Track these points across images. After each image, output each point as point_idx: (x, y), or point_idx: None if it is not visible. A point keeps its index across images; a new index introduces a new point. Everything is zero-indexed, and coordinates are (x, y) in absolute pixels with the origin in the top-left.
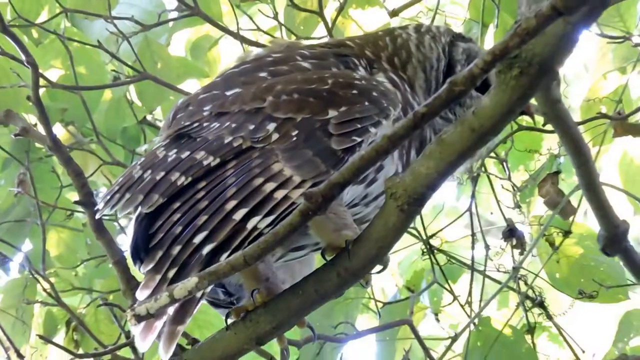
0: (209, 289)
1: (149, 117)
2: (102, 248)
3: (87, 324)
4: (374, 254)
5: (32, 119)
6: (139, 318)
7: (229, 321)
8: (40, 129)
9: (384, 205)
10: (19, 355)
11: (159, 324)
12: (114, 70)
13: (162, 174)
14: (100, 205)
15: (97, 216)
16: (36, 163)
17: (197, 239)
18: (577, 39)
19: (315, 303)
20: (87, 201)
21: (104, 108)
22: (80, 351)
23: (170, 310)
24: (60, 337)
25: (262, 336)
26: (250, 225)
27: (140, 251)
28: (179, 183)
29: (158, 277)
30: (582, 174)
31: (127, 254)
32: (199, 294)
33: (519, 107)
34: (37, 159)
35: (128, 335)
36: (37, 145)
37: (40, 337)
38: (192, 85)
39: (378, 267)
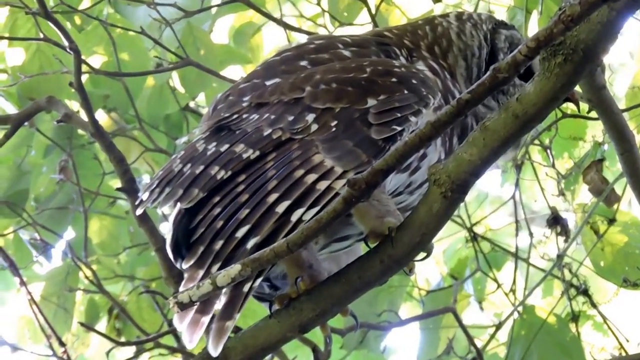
0: (257, 282)
1: (191, 104)
2: (144, 235)
3: (129, 311)
4: (418, 241)
5: (74, 105)
6: (181, 306)
7: (273, 309)
8: (83, 116)
9: (427, 192)
10: (61, 343)
11: (205, 320)
12: (156, 57)
13: (202, 167)
14: (140, 200)
15: (139, 211)
16: (78, 150)
17: (240, 233)
18: (622, 26)
19: (359, 291)
20: (130, 188)
21: (147, 95)
22: (123, 339)
23: (219, 305)
24: (102, 325)
25: (305, 324)
26: (294, 217)
27: (181, 247)
28: (218, 177)
29: (201, 272)
30: (625, 161)
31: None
32: (246, 288)
33: (563, 94)
34: (79, 146)
35: (170, 323)
36: (80, 132)
37: (83, 324)
38: (235, 72)
39: (422, 255)
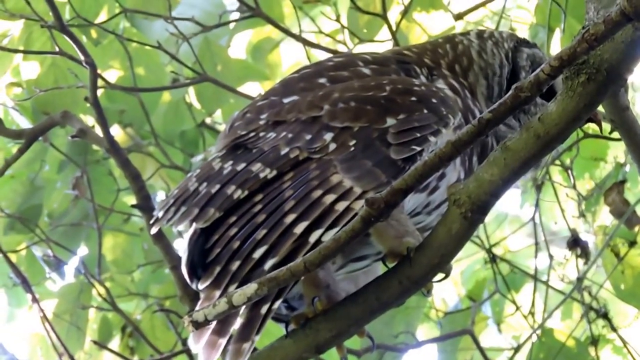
0: (276, 305)
1: (208, 121)
2: (159, 253)
3: (142, 330)
4: (437, 262)
5: (89, 120)
6: (196, 325)
7: (289, 329)
8: (98, 131)
9: (447, 212)
10: None
11: (222, 341)
12: (173, 72)
13: (218, 187)
14: (155, 218)
15: (153, 230)
16: (93, 165)
17: (257, 254)
18: None
19: (376, 311)
20: (145, 205)
21: (163, 110)
22: (136, 358)
23: (236, 327)
24: (115, 344)
25: (321, 344)
26: (312, 239)
27: (197, 267)
28: (235, 196)
29: (218, 292)
30: None
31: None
32: (264, 310)
33: (586, 114)
34: (94, 162)
35: (185, 342)
36: (94, 147)
37: (95, 342)
38: (252, 89)
39: (440, 276)
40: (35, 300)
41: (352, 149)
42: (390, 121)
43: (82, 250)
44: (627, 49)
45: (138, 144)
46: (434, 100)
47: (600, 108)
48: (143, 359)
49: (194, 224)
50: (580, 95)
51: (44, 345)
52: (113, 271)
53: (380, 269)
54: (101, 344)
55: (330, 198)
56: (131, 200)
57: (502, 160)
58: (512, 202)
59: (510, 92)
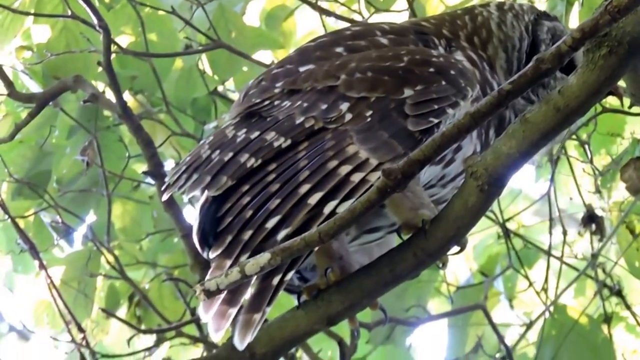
0: (288, 276)
1: (220, 88)
2: (170, 221)
3: (150, 299)
4: (452, 234)
5: (99, 86)
6: (208, 293)
7: (301, 300)
8: (109, 97)
9: (464, 184)
10: (80, 329)
11: (233, 312)
12: (186, 38)
13: (231, 154)
14: (166, 185)
15: (165, 197)
16: (103, 132)
17: (270, 224)
18: None
19: (389, 284)
20: (156, 172)
21: (175, 77)
22: (143, 327)
23: (247, 297)
24: (122, 313)
25: (333, 316)
26: (327, 210)
27: (208, 236)
28: (248, 165)
29: (229, 262)
30: None
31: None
32: (276, 281)
33: (606, 87)
34: (104, 128)
35: (193, 312)
36: (105, 113)
37: (104, 310)
38: (266, 57)
39: (455, 249)
40: (42, 266)
41: (369, 119)
42: (407, 92)
43: (91, 217)
44: None
45: (148, 111)
46: (452, 72)
47: (621, 82)
48: (151, 327)
49: (206, 192)
50: (602, 68)
51: (50, 313)
52: (121, 239)
53: (394, 241)
54: (109, 312)
55: (345, 169)
56: (141, 167)
57: (521, 132)
58: (526, 177)
59: (531, 64)
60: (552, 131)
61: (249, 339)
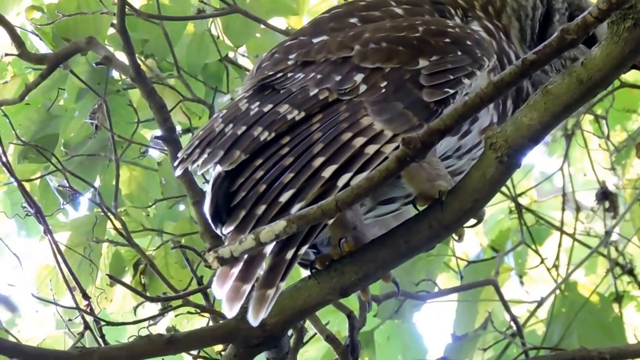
0: (303, 250)
1: (231, 55)
2: (177, 188)
3: (157, 266)
4: (469, 206)
5: (109, 49)
6: (221, 261)
7: (313, 270)
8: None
9: (482, 156)
10: (85, 296)
11: (247, 288)
12: (201, 1)
13: (244, 128)
14: (180, 160)
15: (178, 171)
16: (113, 96)
17: (284, 198)
18: None
19: (404, 255)
20: (169, 137)
21: (186, 42)
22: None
23: (260, 272)
24: (126, 280)
25: (346, 287)
26: (341, 182)
27: (221, 211)
28: (261, 138)
29: (243, 237)
30: None
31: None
32: (289, 255)
33: (630, 60)
34: (114, 92)
35: (200, 281)
36: (115, 77)
37: (111, 277)
38: (280, 24)
39: (472, 221)
40: (48, 231)
41: (383, 90)
42: (422, 62)
43: (97, 182)
44: None
45: (158, 75)
46: (468, 42)
47: None
48: (158, 295)
49: (219, 167)
50: (626, 40)
51: (53, 278)
52: (128, 205)
53: (411, 214)
54: (116, 279)
55: (360, 141)
56: (149, 133)
57: (543, 104)
58: (539, 152)
59: (556, 34)
60: (575, 103)
61: (262, 315)
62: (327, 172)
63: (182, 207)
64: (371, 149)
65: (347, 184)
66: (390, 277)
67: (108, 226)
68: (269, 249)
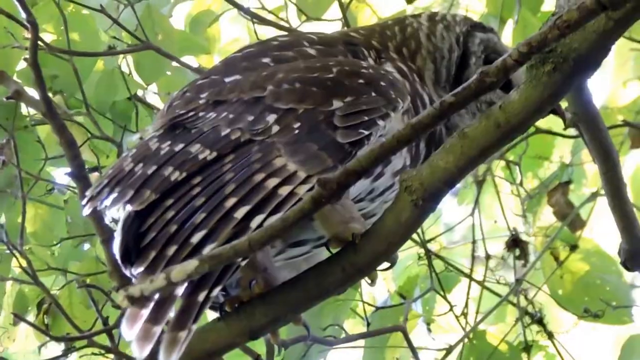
0: (215, 292)
1: (140, 93)
2: (83, 228)
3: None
4: (383, 249)
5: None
6: (131, 300)
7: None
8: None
9: (397, 199)
10: None
11: (157, 330)
12: (114, 37)
13: (154, 168)
14: (88, 198)
15: (86, 212)
16: (20, 131)
17: (196, 239)
18: (617, 38)
19: (316, 298)
20: (79, 174)
21: (95, 79)
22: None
23: (171, 315)
24: (29, 319)
25: (256, 330)
26: (254, 224)
27: (131, 252)
28: (172, 178)
29: (153, 276)
30: (608, 181)
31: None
32: (201, 297)
33: (549, 105)
34: (22, 127)
35: (106, 321)
36: (23, 112)
37: (16, 315)
38: (190, 62)
39: (385, 265)
40: None
41: (297, 131)
42: (336, 104)
43: (1, 219)
44: (598, 39)
45: (66, 112)
46: (382, 83)
47: (562, 102)
48: (63, 334)
49: (129, 206)
50: (545, 85)
51: None
52: (32, 243)
53: (321, 258)
54: (20, 317)
55: (273, 182)
56: (56, 171)
57: (459, 147)
58: (448, 200)
59: (475, 77)
60: (492, 147)
61: (174, 357)
62: (240, 213)
63: (87, 246)
64: (284, 190)
65: (260, 226)
66: (301, 320)
67: (13, 264)
68: (180, 291)
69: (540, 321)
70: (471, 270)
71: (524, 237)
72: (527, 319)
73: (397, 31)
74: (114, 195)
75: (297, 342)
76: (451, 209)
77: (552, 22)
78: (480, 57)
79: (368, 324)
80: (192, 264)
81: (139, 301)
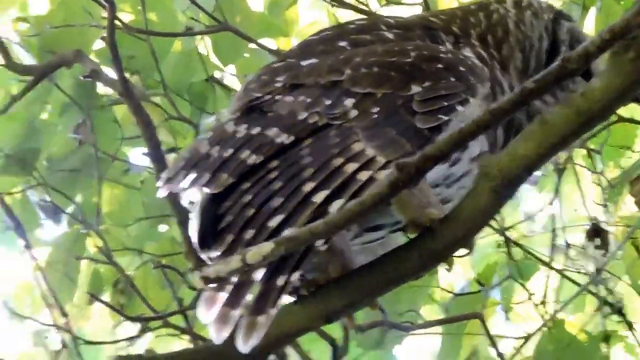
0: (295, 276)
1: (217, 75)
2: (159, 208)
3: (136, 286)
4: (461, 235)
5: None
6: (207, 280)
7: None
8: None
9: (475, 185)
10: (64, 313)
11: (236, 314)
12: (192, 18)
13: (231, 151)
14: (162, 182)
15: (161, 194)
16: (97, 111)
17: (273, 222)
18: None
19: (392, 283)
20: (155, 154)
21: (173, 60)
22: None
23: (249, 298)
24: (104, 299)
25: (332, 313)
26: (333, 209)
27: (208, 236)
28: (249, 162)
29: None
30: None
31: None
32: (281, 281)
33: (631, 92)
34: (99, 107)
35: (180, 302)
36: (100, 92)
37: (92, 295)
38: (268, 45)
39: (463, 251)
40: (28, 246)
41: (375, 116)
42: (415, 89)
43: (78, 198)
44: None
45: (143, 92)
46: (461, 68)
47: None
48: (138, 315)
49: (205, 189)
50: (628, 72)
51: (31, 295)
52: (108, 224)
53: (398, 243)
54: (96, 297)
55: (351, 167)
56: (132, 151)
57: (540, 134)
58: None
59: (556, 63)
60: (572, 135)
61: (253, 341)
62: (318, 198)
63: (163, 226)
64: (363, 176)
65: None
66: (377, 305)
67: (88, 244)
68: (258, 275)
69: (620, 311)
70: (551, 259)
71: (604, 227)
72: (606, 309)
73: (482, 17)
74: (191, 178)
75: (373, 327)
76: (531, 197)
77: (637, 9)
78: (567, 46)
79: (446, 311)
80: (268, 245)
81: (215, 283)
